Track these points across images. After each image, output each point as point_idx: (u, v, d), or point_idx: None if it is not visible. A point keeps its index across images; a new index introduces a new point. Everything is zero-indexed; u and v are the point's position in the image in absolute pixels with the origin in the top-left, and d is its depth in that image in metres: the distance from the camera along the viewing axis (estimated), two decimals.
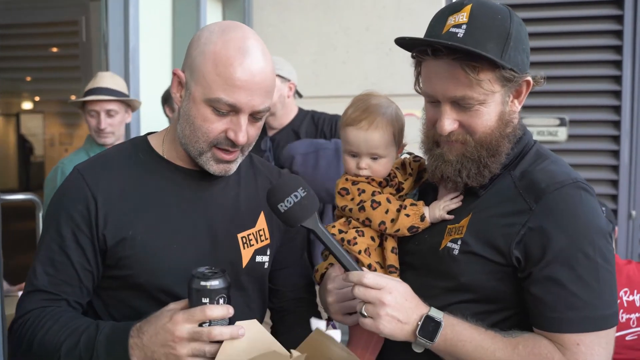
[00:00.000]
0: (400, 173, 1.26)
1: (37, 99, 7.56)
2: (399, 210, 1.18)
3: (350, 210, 1.21)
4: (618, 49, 3.45)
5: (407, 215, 1.16)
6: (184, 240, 1.14)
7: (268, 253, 1.26)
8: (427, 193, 1.24)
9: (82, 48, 4.47)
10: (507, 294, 1.08)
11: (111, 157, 1.20)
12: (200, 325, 0.96)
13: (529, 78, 1.10)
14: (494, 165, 1.10)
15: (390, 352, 1.17)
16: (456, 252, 1.09)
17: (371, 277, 1.05)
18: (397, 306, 1.04)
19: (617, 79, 3.46)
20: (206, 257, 1.14)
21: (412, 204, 1.18)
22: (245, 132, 1.09)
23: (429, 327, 1.04)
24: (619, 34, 3.44)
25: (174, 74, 1.14)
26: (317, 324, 1.07)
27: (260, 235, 1.24)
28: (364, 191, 1.22)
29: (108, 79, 2.60)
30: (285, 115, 2.60)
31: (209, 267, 1.01)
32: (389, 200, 1.20)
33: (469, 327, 1.05)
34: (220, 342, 0.96)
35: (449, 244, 1.11)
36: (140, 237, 1.11)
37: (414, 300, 1.06)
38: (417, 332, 1.04)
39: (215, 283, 0.97)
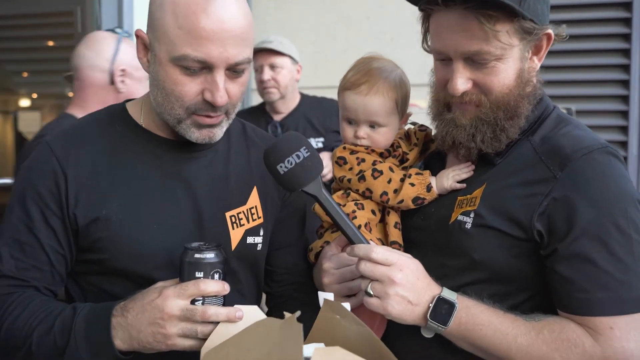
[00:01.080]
0: (405, 143, 1.16)
1: (34, 95, 7.48)
2: (402, 180, 1.07)
3: (349, 180, 1.10)
4: (627, 37, 3.36)
5: (412, 185, 1.06)
6: (166, 220, 1.03)
7: (261, 234, 1.14)
8: (434, 165, 1.13)
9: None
10: (526, 273, 0.97)
11: (84, 127, 1.08)
12: (193, 303, 0.89)
13: (550, 31, 0.99)
14: (512, 129, 0.99)
15: (394, 337, 1.07)
16: (468, 225, 0.98)
17: (380, 252, 0.94)
18: (407, 285, 0.93)
19: (626, 68, 3.37)
20: (190, 238, 1.03)
21: (417, 174, 1.08)
22: (224, 91, 0.96)
23: (442, 309, 0.93)
24: (627, 21, 3.35)
25: (137, 36, 1.01)
26: (325, 296, 0.94)
27: (252, 214, 1.12)
28: (363, 160, 1.11)
29: None
30: (293, 99, 2.56)
31: (202, 243, 0.94)
32: (391, 169, 1.09)
33: (486, 310, 0.94)
34: (214, 323, 0.89)
35: (460, 217, 1.00)
36: (115, 216, 1.00)
37: (425, 280, 0.96)
38: (428, 315, 0.93)
39: (210, 256, 0.90)
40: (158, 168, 1.05)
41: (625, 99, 3.40)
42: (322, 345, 0.89)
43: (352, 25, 3.56)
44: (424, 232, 1.07)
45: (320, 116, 2.56)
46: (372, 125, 1.12)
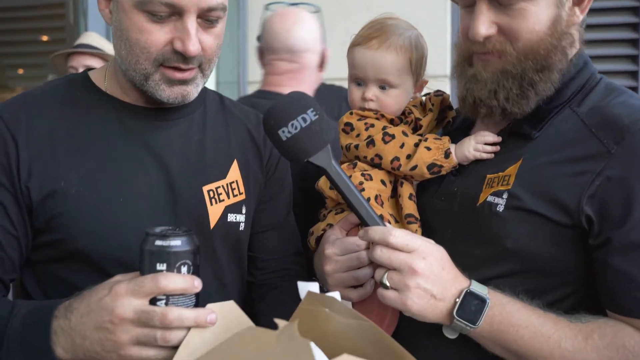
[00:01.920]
0: (418, 110, 1.03)
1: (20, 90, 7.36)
2: (417, 145, 0.92)
3: (357, 147, 0.95)
4: (635, 27, 3.26)
5: (428, 149, 0.91)
6: (134, 193, 0.88)
7: (244, 211, 0.99)
8: (456, 138, 0.97)
9: (70, 31, 4.27)
10: (569, 265, 0.82)
11: (40, 93, 0.93)
12: (154, 303, 0.70)
13: None
14: (542, 85, 0.85)
15: (407, 336, 0.93)
16: (500, 208, 0.83)
17: (400, 235, 0.79)
18: (431, 276, 0.78)
19: (634, 59, 3.27)
20: (163, 214, 0.88)
21: (434, 138, 0.93)
22: (196, 39, 0.84)
23: (471, 305, 0.78)
24: (635, 10, 3.26)
25: None
26: (308, 287, 0.77)
27: (233, 189, 0.98)
28: (372, 126, 0.96)
29: (91, 37, 2.63)
30: None
31: (169, 227, 0.76)
32: (404, 134, 0.94)
33: (524, 308, 0.79)
34: (181, 329, 0.70)
35: (490, 198, 0.85)
36: (75, 189, 0.85)
37: (452, 271, 0.81)
38: (454, 312, 0.79)
39: (176, 243, 0.71)
40: (123, 137, 0.90)
41: (634, 90, 3.31)
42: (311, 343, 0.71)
43: (352, 16, 3.45)
44: (443, 216, 0.92)
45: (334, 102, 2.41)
46: (382, 85, 0.98)
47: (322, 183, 0.99)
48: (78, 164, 0.86)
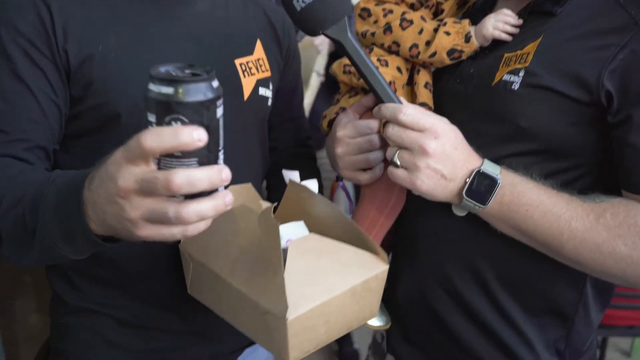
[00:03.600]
0: None
1: None
2: (436, 30, 0.87)
3: (373, 34, 0.90)
4: None
5: (447, 34, 0.85)
6: (168, 59, 0.83)
7: (271, 87, 0.99)
8: (475, 21, 0.91)
9: None
10: (584, 145, 0.78)
11: None
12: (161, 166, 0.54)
13: None
14: None
15: (414, 215, 0.92)
16: (516, 86, 0.79)
17: (411, 114, 0.77)
18: (442, 156, 0.76)
19: None
20: None
21: (454, 22, 0.87)
22: None
23: (481, 185, 0.77)
24: None
25: None
26: (290, 175, 0.82)
27: (260, 65, 0.97)
28: (391, 12, 0.90)
29: None
30: None
31: (184, 64, 0.58)
32: (423, 19, 0.88)
33: (535, 188, 0.77)
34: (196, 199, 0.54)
35: (506, 77, 0.80)
36: (114, 53, 0.81)
37: (465, 151, 0.78)
38: (464, 192, 0.77)
39: (167, 90, 0.52)
40: (154, 8, 0.87)
41: None
42: (301, 222, 0.80)
43: None
44: (458, 98, 0.88)
45: None
46: None
47: (336, 67, 0.95)
48: (113, 28, 0.82)
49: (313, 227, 0.80)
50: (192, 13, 0.90)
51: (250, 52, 0.96)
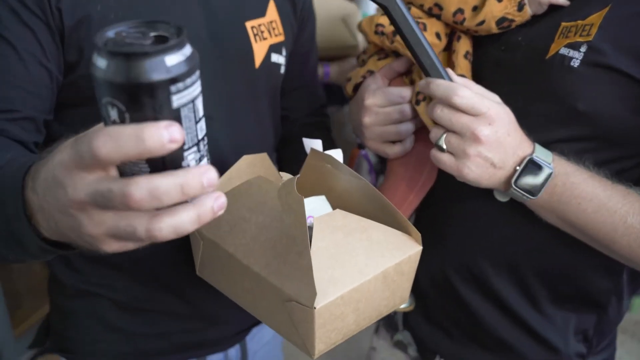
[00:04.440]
0: None
1: None
2: None
3: None
4: None
5: (499, 1, 0.75)
6: (173, 21, 0.74)
7: (284, 54, 0.89)
8: None
9: None
10: None
11: None
12: (125, 170, 0.40)
13: None
14: None
15: (445, 195, 0.84)
16: (576, 63, 0.69)
17: (467, 96, 0.67)
18: (495, 144, 0.67)
19: None
20: (206, 51, 0.76)
21: None
22: None
23: (533, 175, 0.68)
24: None
25: None
26: (312, 144, 0.72)
27: (273, 28, 0.87)
28: None
29: None
30: None
31: (144, 22, 0.41)
32: None
33: (590, 179, 0.69)
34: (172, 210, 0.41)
35: (564, 51, 0.70)
36: (113, 13, 0.70)
37: (517, 136, 0.69)
38: (512, 181, 0.69)
39: (101, 63, 0.37)
40: None
41: None
42: (322, 197, 0.71)
43: None
44: (503, 67, 0.78)
45: None
46: None
47: (366, 25, 0.85)
48: None
49: (336, 202, 0.72)
50: None
51: (262, 13, 0.85)
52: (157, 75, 0.37)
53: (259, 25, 0.85)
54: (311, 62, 1.00)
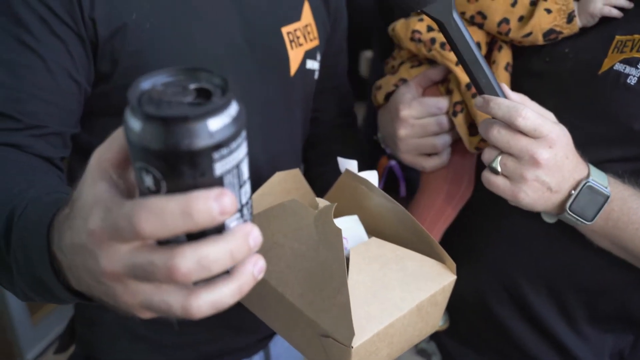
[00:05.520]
0: None
1: None
2: (534, 3, 0.73)
3: None
4: None
5: (548, 12, 0.72)
6: (209, 33, 0.71)
7: (318, 59, 0.86)
8: None
9: None
10: None
11: None
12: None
13: None
14: None
15: (483, 210, 0.82)
16: (633, 80, 0.66)
17: (531, 118, 0.63)
18: (554, 168, 0.64)
19: None
20: (242, 58, 0.74)
21: None
22: None
23: (588, 200, 0.66)
24: None
25: None
26: (347, 164, 0.70)
27: (309, 33, 0.83)
28: None
29: None
30: None
31: (185, 70, 0.36)
32: None
33: None
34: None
35: (619, 67, 0.67)
36: (149, 22, 0.67)
37: (574, 159, 0.66)
38: (567, 206, 0.66)
39: (135, 125, 0.33)
40: None
41: None
42: (355, 217, 0.69)
43: None
44: (547, 80, 0.75)
45: None
46: None
47: (401, 30, 0.81)
48: None
49: (368, 222, 0.71)
50: None
51: (297, 17, 0.82)
52: (199, 143, 0.32)
53: (295, 30, 0.81)
54: (342, 62, 0.97)
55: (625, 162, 0.69)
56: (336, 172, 0.75)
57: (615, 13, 0.70)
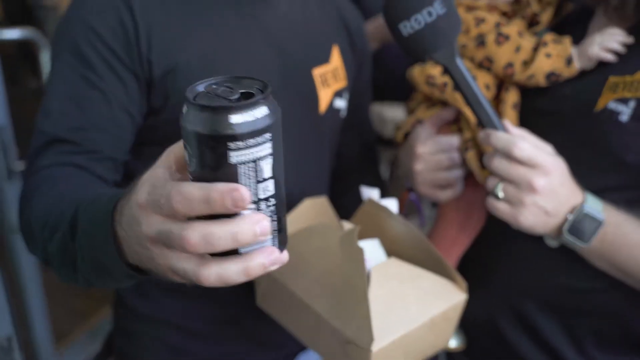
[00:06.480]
0: (536, 1, 0.89)
1: None
2: (536, 49, 0.82)
3: (463, 46, 0.86)
4: None
5: (548, 57, 0.81)
6: (250, 72, 0.77)
7: (345, 97, 0.95)
8: (571, 31, 0.86)
9: None
10: None
11: None
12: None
13: None
14: None
15: (494, 237, 0.89)
16: (624, 117, 0.73)
17: (526, 149, 0.72)
18: (550, 194, 0.73)
19: None
20: (278, 95, 0.84)
21: (555, 41, 0.82)
22: None
23: (584, 223, 0.73)
24: None
25: None
26: (369, 193, 0.80)
27: (337, 75, 0.93)
28: (483, 21, 0.85)
29: None
30: None
31: (229, 78, 0.46)
32: (520, 35, 0.83)
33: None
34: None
35: (612, 105, 0.75)
36: (196, 63, 0.76)
37: (570, 186, 0.74)
38: (564, 229, 0.74)
39: (193, 116, 0.41)
40: (234, 8, 0.81)
41: None
42: (376, 241, 0.78)
43: None
44: (551, 117, 0.83)
45: None
46: None
47: (418, 75, 0.90)
48: (196, 36, 0.77)
49: (388, 245, 0.79)
50: (272, 16, 0.85)
51: (326, 59, 0.91)
52: (218, 131, 0.39)
53: (325, 72, 0.90)
54: (366, 100, 1.07)
55: (620, 190, 0.76)
56: (358, 201, 0.84)
57: (610, 57, 0.78)
